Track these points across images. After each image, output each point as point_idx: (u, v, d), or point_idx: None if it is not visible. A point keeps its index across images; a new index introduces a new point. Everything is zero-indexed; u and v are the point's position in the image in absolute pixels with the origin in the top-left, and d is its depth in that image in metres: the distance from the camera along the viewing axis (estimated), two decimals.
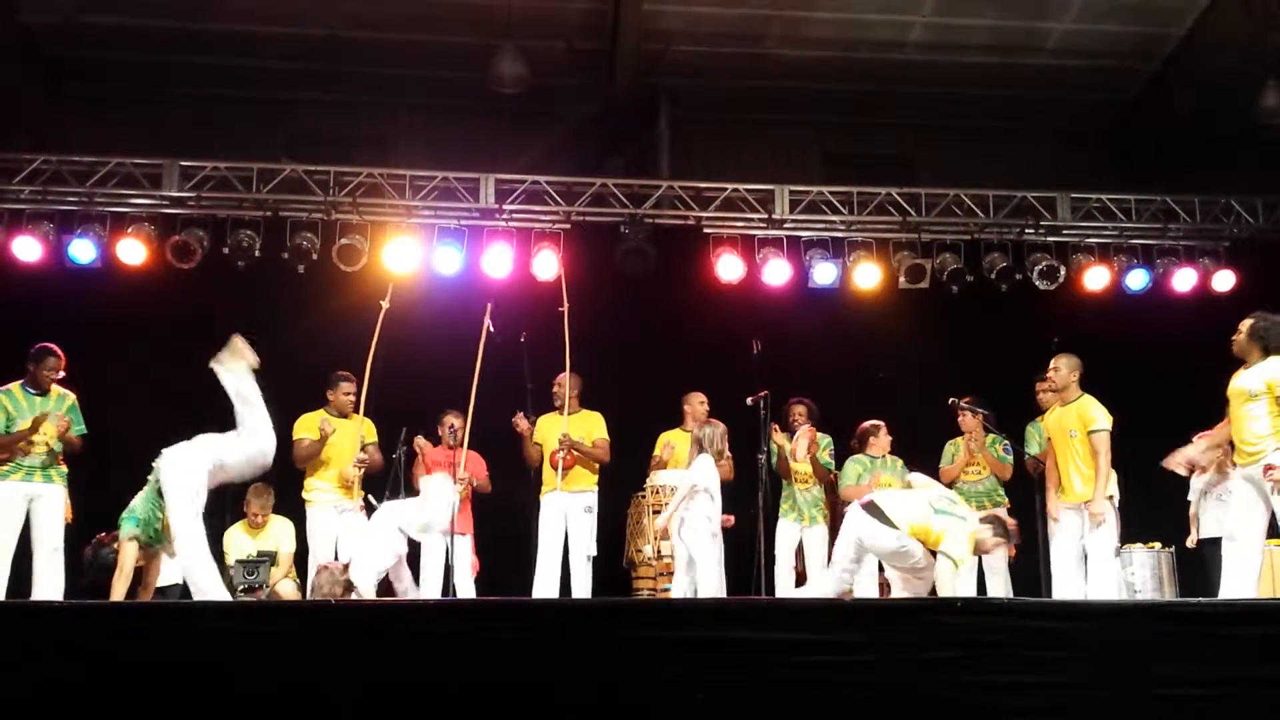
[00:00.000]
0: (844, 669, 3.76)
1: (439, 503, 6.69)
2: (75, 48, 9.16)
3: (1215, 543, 6.56)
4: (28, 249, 8.25)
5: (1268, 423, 5.83)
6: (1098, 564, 6.48)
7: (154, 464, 5.73)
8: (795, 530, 7.66)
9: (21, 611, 4.34)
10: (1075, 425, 6.58)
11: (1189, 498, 7.49)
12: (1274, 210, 9.19)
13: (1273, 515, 5.83)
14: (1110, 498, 6.54)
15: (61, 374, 6.65)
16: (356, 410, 7.21)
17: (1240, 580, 5.80)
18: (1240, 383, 6.00)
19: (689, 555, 6.53)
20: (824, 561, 7.56)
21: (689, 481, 6.62)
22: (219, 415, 7.31)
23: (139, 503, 5.68)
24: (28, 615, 4.10)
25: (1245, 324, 6.08)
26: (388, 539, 6.45)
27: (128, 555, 5.56)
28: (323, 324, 8.27)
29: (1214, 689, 3.87)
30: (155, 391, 8.18)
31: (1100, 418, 6.53)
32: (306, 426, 7.20)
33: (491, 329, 7.25)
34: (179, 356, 8.29)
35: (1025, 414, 7.87)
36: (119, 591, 5.54)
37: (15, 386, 6.57)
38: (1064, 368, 6.71)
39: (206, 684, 3.64)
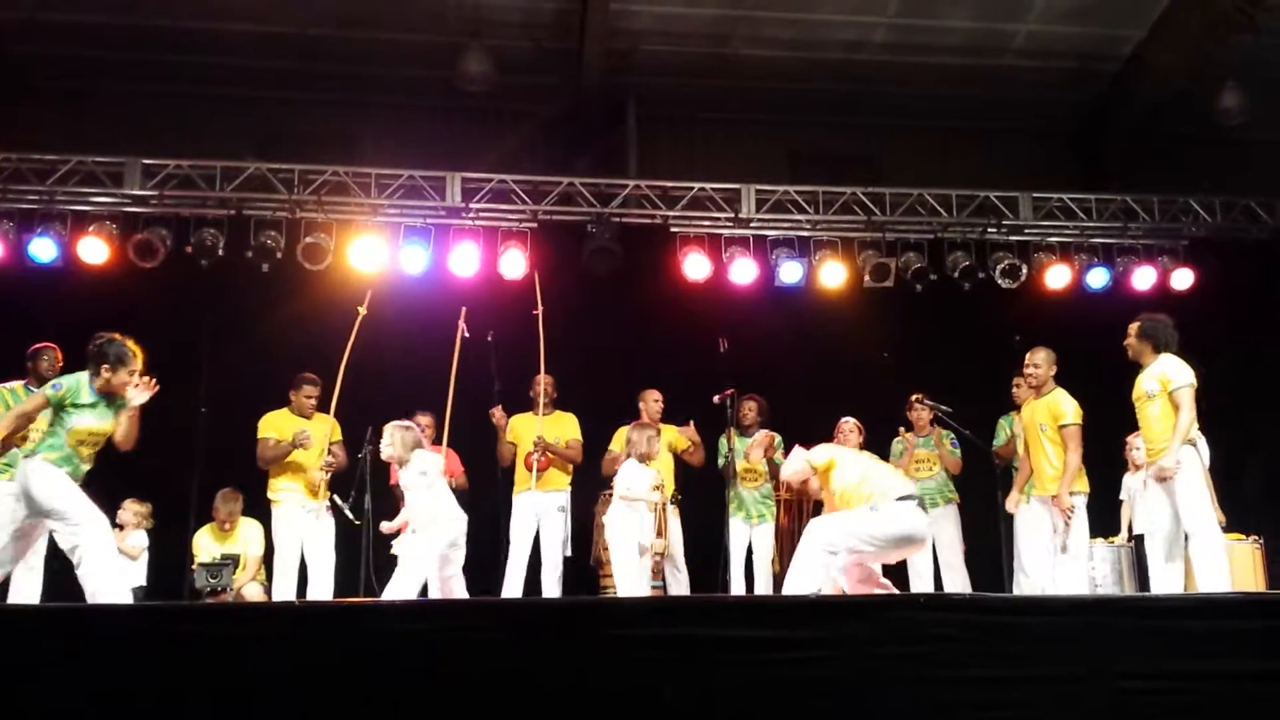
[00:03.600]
0: (806, 665, 3.78)
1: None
2: (38, 45, 9.05)
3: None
4: None
5: (1164, 421, 6.01)
6: (1066, 560, 6.55)
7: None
8: (744, 529, 7.71)
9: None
10: (1045, 419, 6.65)
11: (1121, 496, 7.69)
12: (1232, 209, 9.33)
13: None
14: (1076, 493, 6.58)
15: (59, 366, 6.64)
16: (323, 410, 7.18)
17: (1220, 568, 5.93)
18: (1140, 386, 6.23)
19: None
20: (770, 558, 7.64)
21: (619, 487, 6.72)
22: (179, 417, 7.28)
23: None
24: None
25: (1133, 327, 6.34)
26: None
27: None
28: (287, 323, 8.23)
29: (1174, 683, 3.93)
30: None
31: (1070, 412, 6.59)
32: (272, 425, 7.17)
33: (466, 334, 7.23)
34: (142, 356, 8.27)
35: (988, 411, 7.97)
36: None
37: (17, 385, 6.60)
38: (1042, 362, 6.74)
39: (177, 687, 3.63)
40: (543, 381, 7.50)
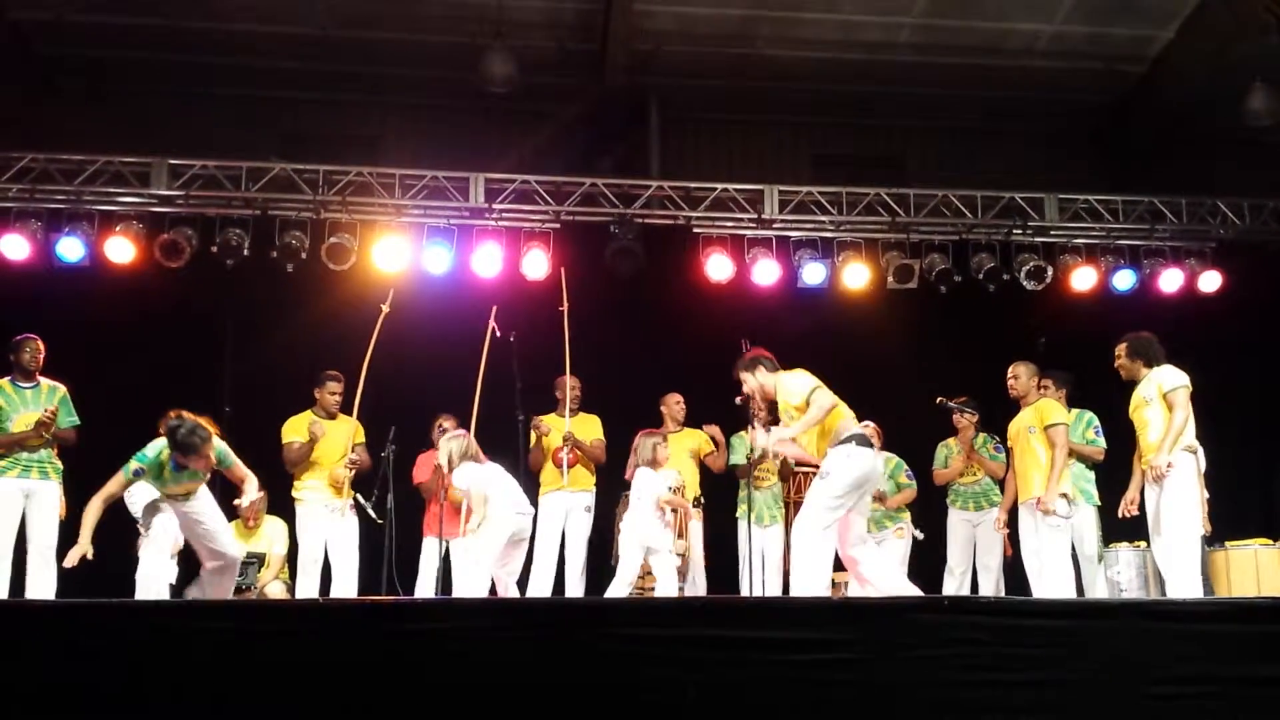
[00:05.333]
0: (832, 666, 3.77)
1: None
2: (65, 45, 9.13)
3: None
4: (15, 247, 8.23)
5: (1160, 424, 5.98)
6: (1049, 564, 6.49)
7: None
8: (755, 532, 7.65)
9: (10, 610, 4.33)
10: (1033, 422, 6.66)
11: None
12: (1260, 211, 9.24)
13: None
14: (1064, 495, 6.53)
15: (41, 357, 6.65)
16: (346, 411, 7.20)
17: (1190, 577, 5.87)
18: (1137, 394, 6.24)
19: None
20: (780, 562, 7.58)
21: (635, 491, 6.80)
22: (204, 416, 7.28)
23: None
24: (16, 614, 4.08)
25: (1121, 348, 6.38)
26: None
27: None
28: (311, 323, 8.26)
29: (1199, 687, 3.89)
30: (142, 390, 8.14)
31: (1058, 414, 6.61)
32: (295, 429, 7.19)
33: (498, 333, 7.25)
34: (167, 355, 8.34)
35: (1012, 414, 7.91)
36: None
37: (4, 381, 6.60)
38: (1023, 374, 6.82)
39: (199, 684, 3.64)
40: (568, 384, 7.50)
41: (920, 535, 7.69)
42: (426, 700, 3.68)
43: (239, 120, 9.44)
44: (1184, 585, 5.83)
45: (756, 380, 6.03)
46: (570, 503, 7.50)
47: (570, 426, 7.48)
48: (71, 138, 8.61)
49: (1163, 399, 6.08)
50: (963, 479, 7.70)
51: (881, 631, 3.86)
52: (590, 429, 7.67)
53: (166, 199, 8.47)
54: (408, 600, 6.31)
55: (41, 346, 6.66)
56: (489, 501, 6.33)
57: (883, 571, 5.61)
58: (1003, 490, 7.33)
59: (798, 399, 5.80)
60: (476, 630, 3.80)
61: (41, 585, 6.34)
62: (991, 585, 7.50)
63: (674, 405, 7.87)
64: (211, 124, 9.30)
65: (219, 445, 6.02)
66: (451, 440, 6.60)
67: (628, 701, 3.72)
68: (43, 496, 6.51)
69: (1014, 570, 7.54)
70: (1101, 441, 7.24)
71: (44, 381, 6.68)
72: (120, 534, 7.16)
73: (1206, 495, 6.10)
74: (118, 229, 8.33)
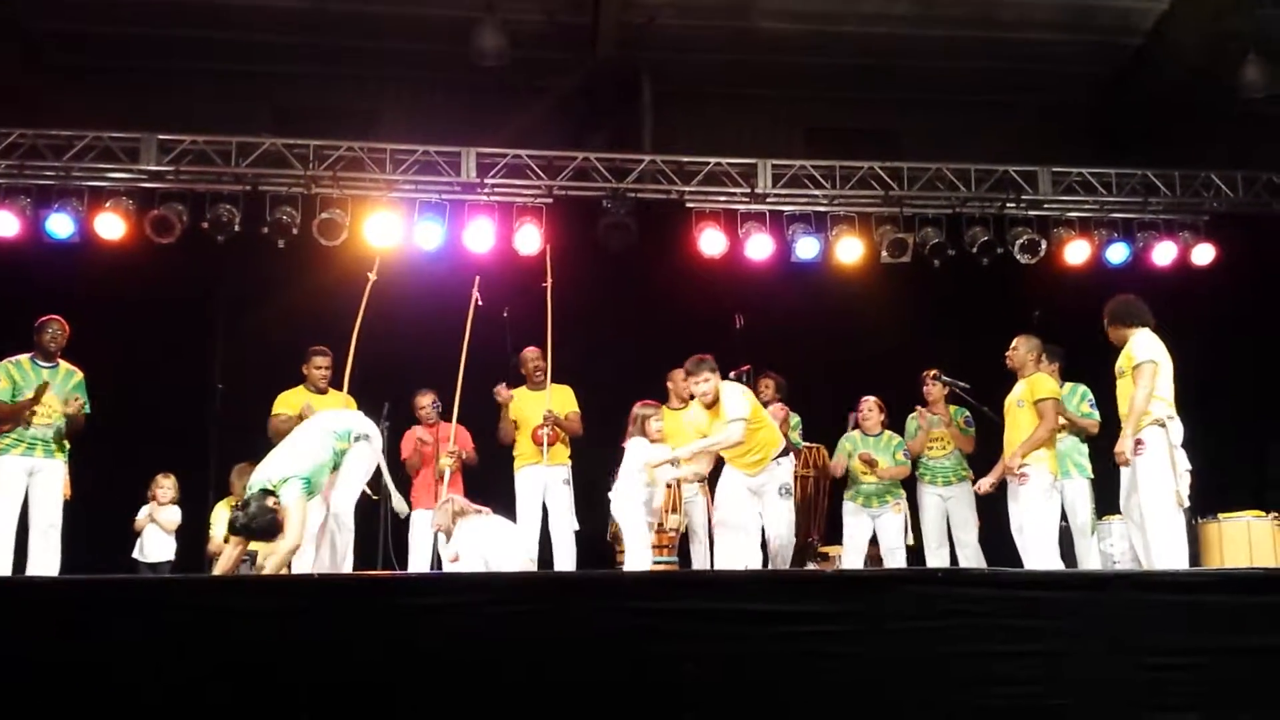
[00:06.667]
0: (825, 639, 3.78)
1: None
2: (54, 20, 9.06)
3: None
4: (4, 223, 8.19)
5: (1126, 398, 5.99)
6: (1032, 535, 6.53)
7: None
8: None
9: (10, 587, 4.33)
10: (1024, 396, 6.68)
11: None
12: (1253, 184, 9.23)
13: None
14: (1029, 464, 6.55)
15: (65, 340, 6.68)
16: (338, 386, 7.18)
17: (1173, 550, 5.86)
18: (1118, 363, 6.20)
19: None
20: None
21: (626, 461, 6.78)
22: (196, 393, 7.29)
23: (309, 465, 5.65)
24: (17, 591, 4.08)
25: (1105, 315, 6.28)
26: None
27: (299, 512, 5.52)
28: (303, 299, 8.23)
29: (1191, 657, 3.92)
30: (134, 367, 8.13)
31: (1049, 388, 6.64)
32: (286, 403, 7.17)
33: (480, 302, 7.24)
34: (158, 331, 8.31)
35: (1005, 388, 7.93)
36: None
37: (24, 358, 6.64)
38: (1022, 348, 6.83)
39: (203, 659, 3.65)
40: (548, 357, 7.46)
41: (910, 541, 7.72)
42: (421, 672, 3.69)
43: (230, 95, 9.37)
44: (1167, 558, 5.83)
45: (713, 381, 6.37)
46: (547, 477, 7.47)
47: (547, 400, 7.44)
48: (61, 113, 8.54)
49: (1131, 372, 6.02)
50: (931, 453, 7.70)
51: (877, 604, 3.87)
52: (564, 401, 7.62)
53: (156, 174, 8.42)
54: (404, 575, 6.31)
55: (65, 328, 6.71)
56: (505, 556, 6.26)
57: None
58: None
59: (727, 415, 6.25)
60: (471, 604, 3.80)
61: (44, 563, 6.35)
62: (972, 560, 7.53)
63: (680, 381, 7.84)
64: (203, 99, 9.24)
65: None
66: (437, 513, 6.52)
67: (626, 677, 3.73)
68: (47, 474, 6.53)
69: (992, 545, 7.59)
70: (1096, 414, 7.25)
71: (63, 364, 6.72)
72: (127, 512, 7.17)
73: (1188, 467, 6.03)
74: (107, 205, 8.29)
